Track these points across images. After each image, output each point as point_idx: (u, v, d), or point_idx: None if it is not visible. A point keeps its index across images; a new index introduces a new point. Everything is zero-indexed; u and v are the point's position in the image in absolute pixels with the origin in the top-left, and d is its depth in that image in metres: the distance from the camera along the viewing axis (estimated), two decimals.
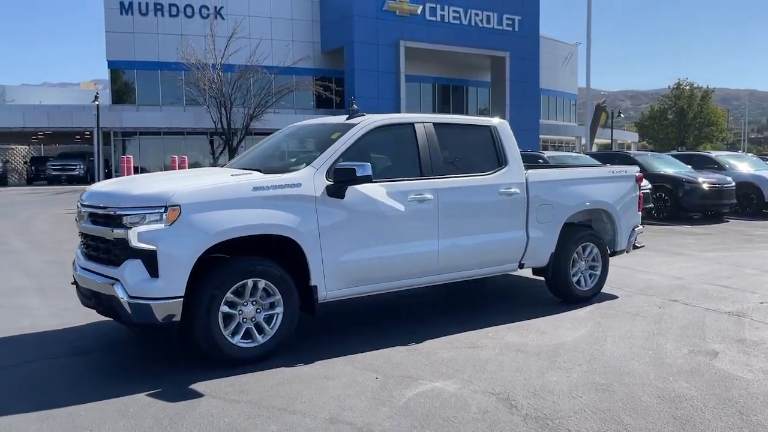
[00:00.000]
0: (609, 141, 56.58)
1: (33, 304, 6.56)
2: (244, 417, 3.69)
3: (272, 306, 4.72)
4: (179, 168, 15.84)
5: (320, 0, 42.74)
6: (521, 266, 6.25)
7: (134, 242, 4.27)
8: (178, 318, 4.32)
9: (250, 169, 5.29)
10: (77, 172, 36.09)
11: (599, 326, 5.71)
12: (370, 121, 5.43)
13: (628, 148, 55.97)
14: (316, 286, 4.88)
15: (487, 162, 6.04)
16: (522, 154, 6.34)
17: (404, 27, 40.54)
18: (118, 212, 4.39)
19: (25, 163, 40.21)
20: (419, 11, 40.85)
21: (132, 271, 4.29)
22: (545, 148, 50.34)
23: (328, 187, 4.90)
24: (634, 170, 7.18)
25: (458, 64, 46.67)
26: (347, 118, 5.59)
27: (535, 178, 6.24)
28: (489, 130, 6.14)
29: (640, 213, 7.22)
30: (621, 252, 7.10)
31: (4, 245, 11.01)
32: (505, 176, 6.00)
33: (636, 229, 7.15)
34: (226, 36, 34.27)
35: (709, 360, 4.79)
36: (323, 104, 41.36)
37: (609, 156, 17.12)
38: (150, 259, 4.26)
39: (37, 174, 37.33)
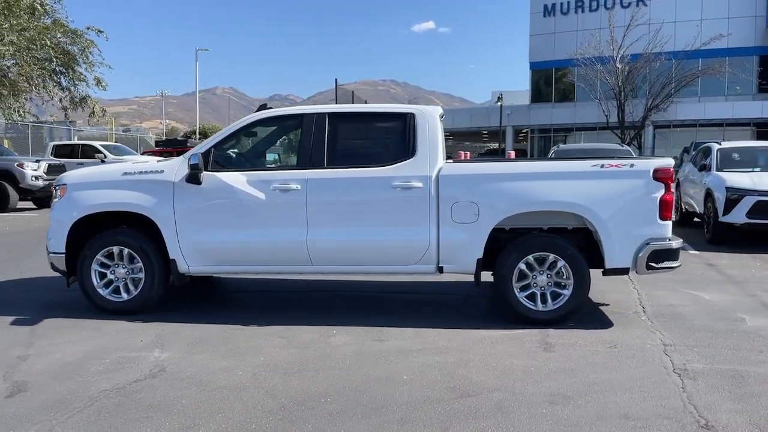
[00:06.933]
0: None
1: None
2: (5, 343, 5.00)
3: (140, 271, 5.76)
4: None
5: None
6: (441, 270, 5.51)
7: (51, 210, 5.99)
8: (64, 269, 5.84)
9: None
10: None
11: (455, 350, 4.76)
12: (252, 114, 5.80)
13: None
14: (174, 260, 5.67)
15: (393, 153, 5.57)
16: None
17: None
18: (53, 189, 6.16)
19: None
20: None
21: (49, 230, 6.02)
22: None
23: (185, 174, 5.63)
24: (651, 164, 5.23)
25: None
26: (256, 111, 6.06)
27: (450, 171, 5.39)
28: (404, 119, 5.60)
29: (664, 222, 5.24)
30: (621, 271, 5.32)
31: None
32: (406, 169, 5.42)
33: (652, 243, 5.22)
34: (641, 23, 32.78)
35: (451, 400, 3.75)
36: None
37: None
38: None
39: None
